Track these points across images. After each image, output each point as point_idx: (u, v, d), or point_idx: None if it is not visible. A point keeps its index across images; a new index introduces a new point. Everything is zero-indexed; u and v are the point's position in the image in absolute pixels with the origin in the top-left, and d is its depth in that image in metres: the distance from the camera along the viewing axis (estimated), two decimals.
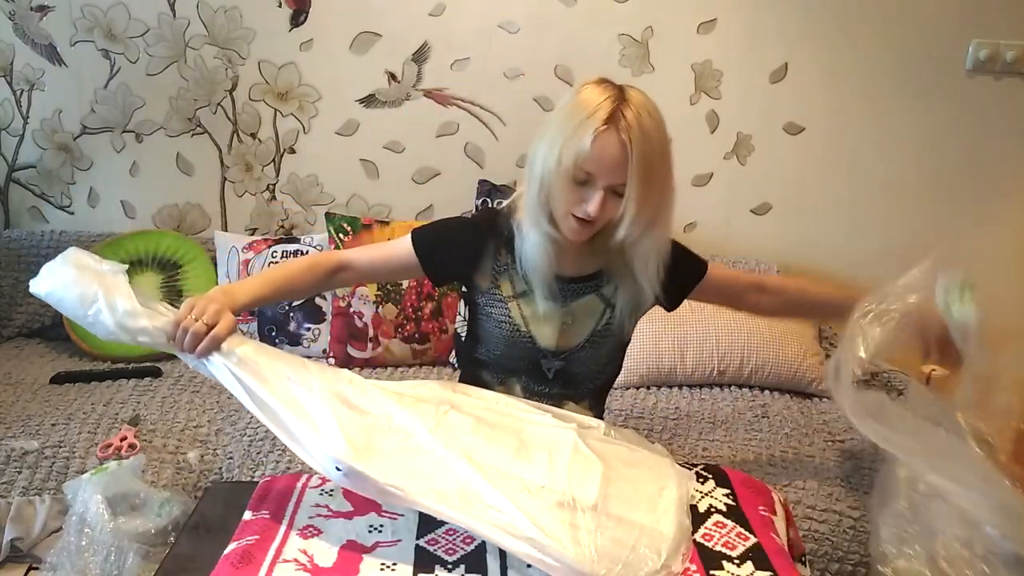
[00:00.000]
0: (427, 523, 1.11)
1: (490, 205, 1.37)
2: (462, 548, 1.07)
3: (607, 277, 1.34)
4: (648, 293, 1.31)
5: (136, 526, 1.45)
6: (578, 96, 1.20)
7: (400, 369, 2.17)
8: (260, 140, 2.39)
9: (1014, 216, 2.42)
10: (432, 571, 1.03)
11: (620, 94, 1.18)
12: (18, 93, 2.32)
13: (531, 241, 1.27)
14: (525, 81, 2.34)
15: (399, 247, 1.34)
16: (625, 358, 1.46)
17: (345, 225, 2.22)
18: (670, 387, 2.11)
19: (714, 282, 1.41)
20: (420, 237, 1.33)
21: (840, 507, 1.59)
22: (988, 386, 2.49)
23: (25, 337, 2.26)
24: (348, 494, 1.17)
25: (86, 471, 1.56)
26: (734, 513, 1.20)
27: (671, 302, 1.38)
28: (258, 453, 1.70)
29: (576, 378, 1.37)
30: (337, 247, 2.20)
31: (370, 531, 1.10)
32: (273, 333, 2.21)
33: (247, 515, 1.14)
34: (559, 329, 1.33)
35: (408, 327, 2.15)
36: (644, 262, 1.26)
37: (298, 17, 2.29)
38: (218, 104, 2.35)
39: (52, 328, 2.25)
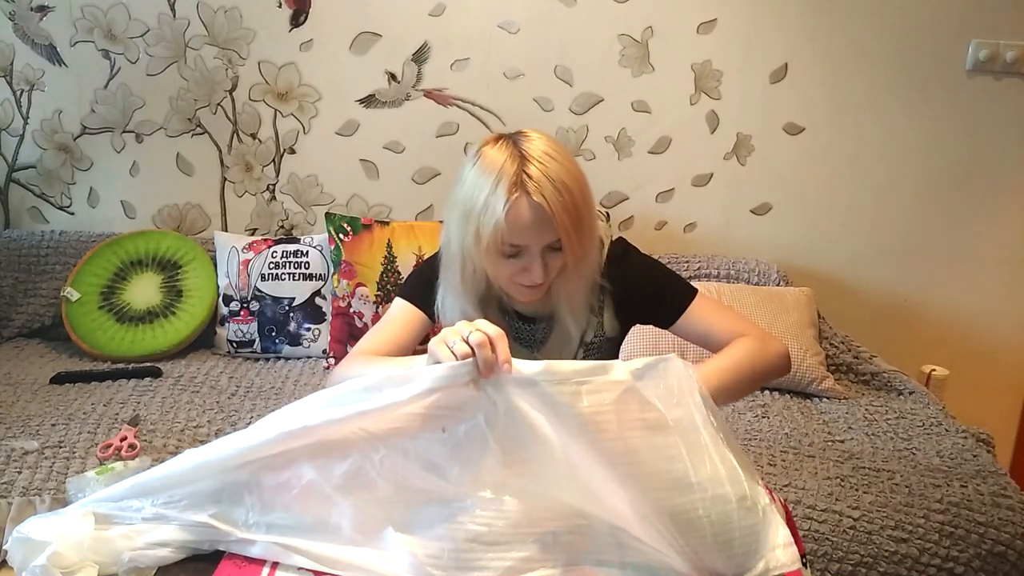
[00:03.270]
0: None
1: None
2: None
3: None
4: (575, 334, 1.23)
5: None
6: (477, 163, 1.11)
7: None
8: (260, 140, 2.39)
9: (1014, 216, 2.42)
10: None
11: (517, 148, 1.09)
12: (18, 93, 2.32)
13: (450, 311, 1.21)
14: (525, 81, 2.34)
15: (395, 312, 1.27)
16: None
17: (345, 225, 2.22)
18: None
19: (681, 333, 1.25)
20: (403, 287, 1.32)
21: (840, 507, 1.59)
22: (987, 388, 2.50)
23: (25, 337, 2.26)
24: None
25: (86, 471, 1.56)
26: None
27: (624, 325, 1.28)
28: None
29: None
30: (337, 247, 2.20)
31: None
32: (273, 333, 2.21)
33: None
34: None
35: None
36: (570, 301, 1.19)
37: (298, 17, 2.29)
38: (218, 104, 2.35)
39: (52, 328, 2.25)
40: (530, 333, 1.28)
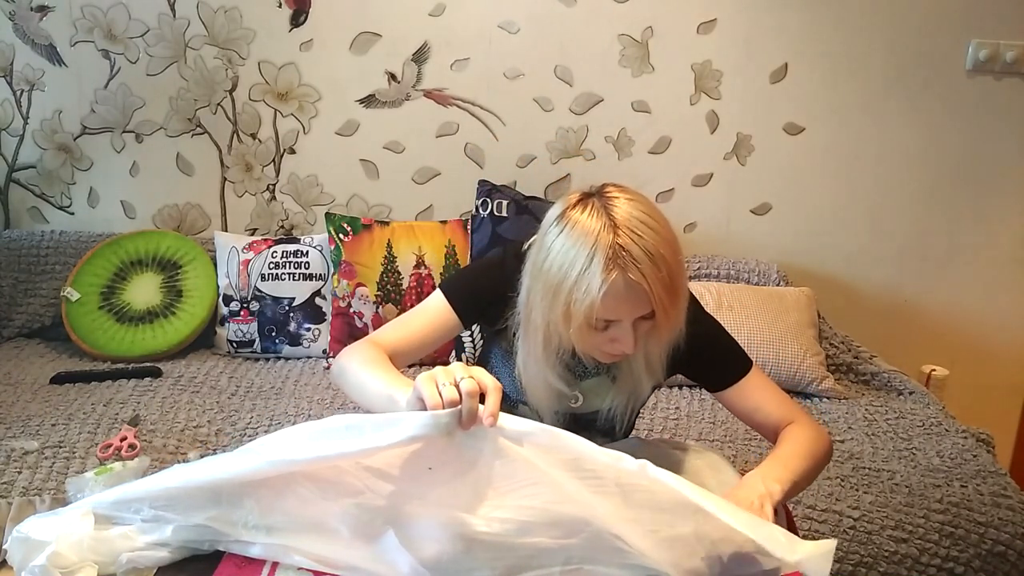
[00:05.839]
0: None
1: (520, 245, 1.18)
2: None
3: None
4: (647, 388, 1.20)
5: None
6: (564, 231, 1.03)
7: (399, 369, 2.17)
8: (260, 140, 2.39)
9: (1013, 216, 2.42)
10: None
11: (608, 216, 1.00)
12: (18, 93, 2.32)
13: (533, 378, 1.15)
14: (525, 81, 2.34)
15: (430, 306, 1.19)
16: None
17: (345, 225, 2.22)
18: (670, 387, 2.12)
19: (727, 401, 1.23)
20: (449, 284, 1.21)
21: (840, 507, 1.59)
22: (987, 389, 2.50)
23: (25, 337, 2.26)
24: None
25: (86, 471, 1.56)
26: None
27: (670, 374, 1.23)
28: None
29: (590, 431, 1.26)
30: (337, 247, 2.20)
31: None
32: (273, 333, 2.21)
33: None
34: (567, 404, 1.23)
35: None
36: (649, 360, 1.14)
37: (298, 17, 2.29)
38: (218, 104, 2.35)
39: (52, 328, 2.25)
40: (582, 367, 1.22)
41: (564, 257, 1.02)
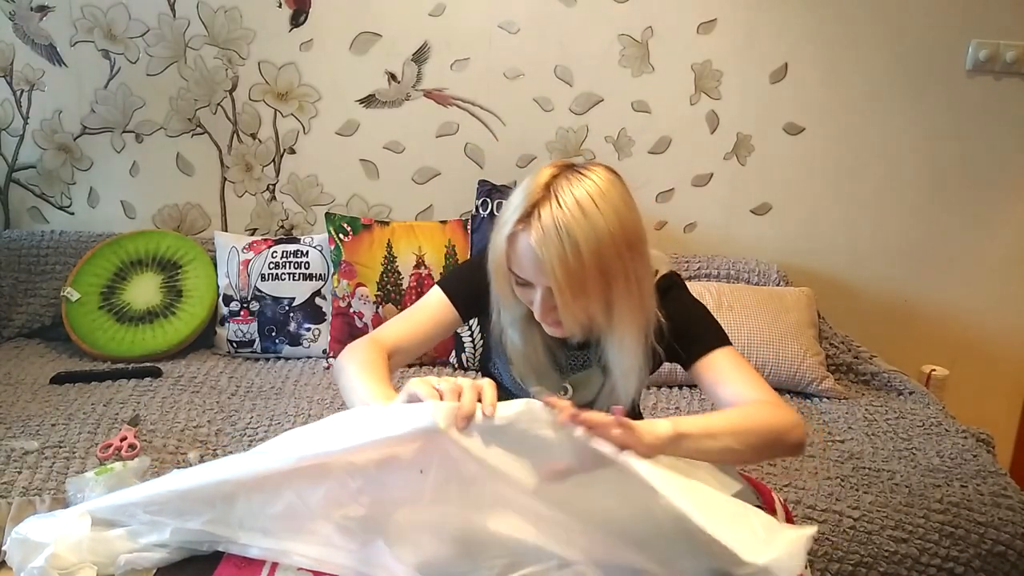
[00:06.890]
0: None
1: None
2: None
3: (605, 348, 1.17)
4: (624, 398, 1.18)
5: None
6: (525, 180, 1.07)
7: (399, 369, 2.17)
8: (260, 140, 2.39)
9: (1013, 216, 2.42)
10: None
11: (556, 182, 1.02)
12: (18, 93, 2.32)
13: (497, 325, 1.18)
14: (525, 81, 2.34)
15: (429, 301, 1.22)
16: None
17: (345, 225, 2.22)
18: (670, 387, 2.12)
19: (697, 376, 1.17)
20: (445, 279, 1.25)
21: (840, 507, 1.59)
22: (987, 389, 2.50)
23: (25, 337, 2.26)
24: None
25: (86, 471, 1.56)
26: None
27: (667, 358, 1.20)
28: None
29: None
30: (337, 247, 2.20)
31: None
32: (273, 333, 2.21)
33: None
34: (560, 395, 1.23)
35: None
36: (624, 372, 1.13)
37: (298, 17, 2.29)
38: (218, 104, 2.35)
39: (52, 328, 2.25)
40: (574, 358, 1.22)
41: (511, 199, 1.07)
